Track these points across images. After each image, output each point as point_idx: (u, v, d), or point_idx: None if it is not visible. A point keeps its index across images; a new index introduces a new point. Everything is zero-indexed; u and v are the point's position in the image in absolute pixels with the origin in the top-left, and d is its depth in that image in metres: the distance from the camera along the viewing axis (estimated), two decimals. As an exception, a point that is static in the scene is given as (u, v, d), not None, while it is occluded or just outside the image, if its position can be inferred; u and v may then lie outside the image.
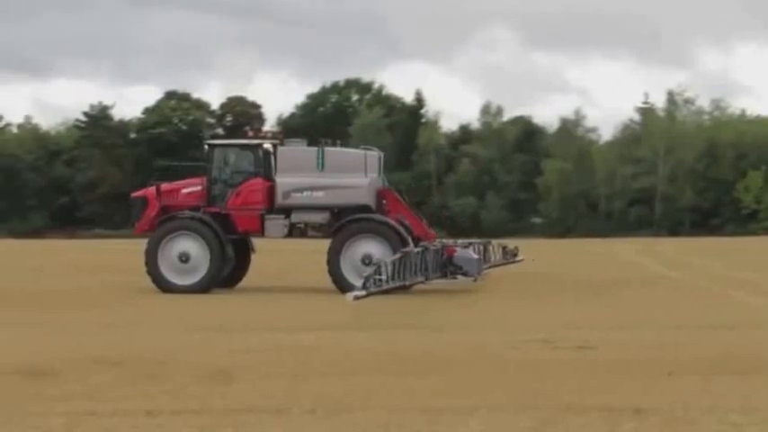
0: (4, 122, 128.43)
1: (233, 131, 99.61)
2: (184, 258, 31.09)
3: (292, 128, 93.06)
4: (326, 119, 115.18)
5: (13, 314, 23.18)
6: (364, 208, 31.46)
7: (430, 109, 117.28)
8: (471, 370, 14.21)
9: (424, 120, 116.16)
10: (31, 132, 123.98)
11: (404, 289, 28.73)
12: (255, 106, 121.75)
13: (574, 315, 22.99)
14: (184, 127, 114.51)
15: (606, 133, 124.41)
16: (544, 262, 43.83)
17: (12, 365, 14.29)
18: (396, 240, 30.41)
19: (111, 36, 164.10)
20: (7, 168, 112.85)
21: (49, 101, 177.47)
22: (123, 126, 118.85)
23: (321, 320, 21.55)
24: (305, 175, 31.55)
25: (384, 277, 27.49)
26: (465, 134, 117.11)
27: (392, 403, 11.66)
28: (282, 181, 31.59)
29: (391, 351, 16.10)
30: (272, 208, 31.74)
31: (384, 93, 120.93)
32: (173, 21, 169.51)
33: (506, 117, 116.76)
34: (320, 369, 14.26)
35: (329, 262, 30.62)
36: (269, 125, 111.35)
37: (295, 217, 31.80)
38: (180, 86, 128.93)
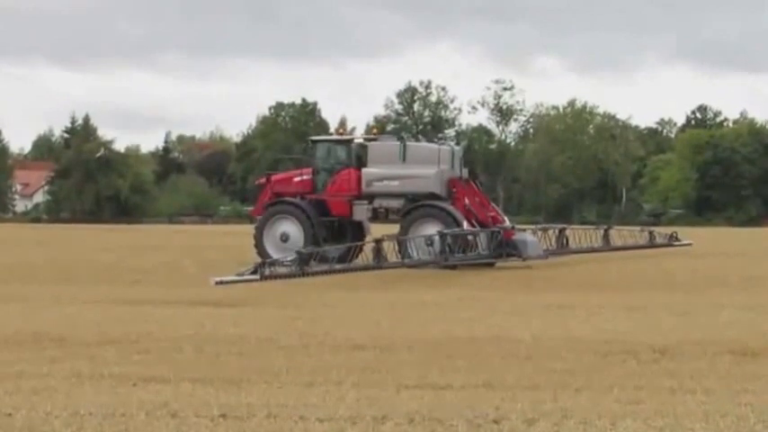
0: (722, 117, 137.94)
1: None
2: (284, 238, 35.52)
3: None
4: None
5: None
6: (432, 195, 34.80)
7: None
8: None
9: None
10: (746, 126, 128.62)
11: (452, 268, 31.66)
12: None
13: None
14: None
15: None
16: None
17: (726, 345, 15.45)
18: (451, 223, 33.56)
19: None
20: (724, 160, 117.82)
21: (763, 94, 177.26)
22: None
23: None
24: (387, 166, 35.35)
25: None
26: None
27: None
28: (367, 171, 35.62)
29: None
30: (359, 195, 35.67)
31: None
32: None
33: None
34: None
35: (399, 242, 33.30)
36: None
37: (376, 202, 35.66)
38: None
